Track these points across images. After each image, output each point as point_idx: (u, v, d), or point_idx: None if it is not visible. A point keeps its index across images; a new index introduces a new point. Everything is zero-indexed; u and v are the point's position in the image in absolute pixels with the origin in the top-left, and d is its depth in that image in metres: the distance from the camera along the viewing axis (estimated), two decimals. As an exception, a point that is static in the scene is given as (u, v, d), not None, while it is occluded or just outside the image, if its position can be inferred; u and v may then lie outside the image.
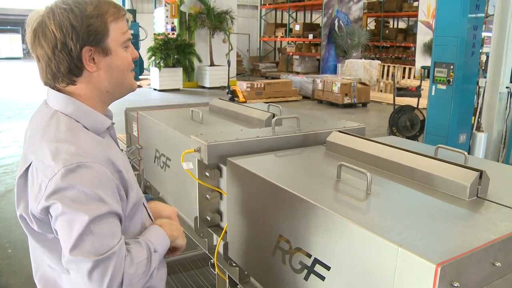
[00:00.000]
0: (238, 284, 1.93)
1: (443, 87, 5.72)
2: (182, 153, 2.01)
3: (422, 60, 18.10)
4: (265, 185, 1.63)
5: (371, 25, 23.69)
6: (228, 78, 13.63)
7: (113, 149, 1.40)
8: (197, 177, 2.02)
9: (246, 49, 23.56)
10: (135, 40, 17.36)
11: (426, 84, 7.93)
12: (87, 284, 1.18)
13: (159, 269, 1.48)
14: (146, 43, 16.09)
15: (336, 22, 19.11)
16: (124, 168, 1.35)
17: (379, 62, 16.88)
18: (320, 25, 19.60)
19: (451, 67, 5.58)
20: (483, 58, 6.98)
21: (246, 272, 1.90)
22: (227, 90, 13.08)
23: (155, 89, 15.98)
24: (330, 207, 1.38)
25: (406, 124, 8.31)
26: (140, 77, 17.87)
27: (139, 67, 17.75)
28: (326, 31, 19.06)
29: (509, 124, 5.97)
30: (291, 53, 21.63)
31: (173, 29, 16.79)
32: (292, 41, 21.49)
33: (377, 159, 1.78)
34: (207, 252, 2.16)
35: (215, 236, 2.10)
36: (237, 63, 20.09)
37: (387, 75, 15.90)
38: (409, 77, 15.70)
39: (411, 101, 9.38)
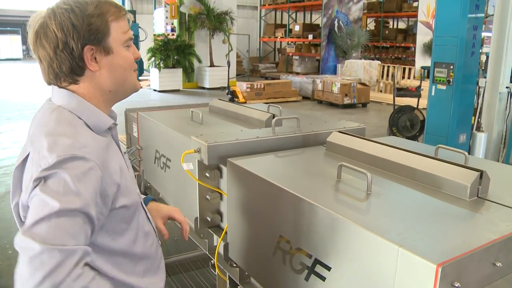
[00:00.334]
0: (238, 285, 1.93)
1: (443, 87, 5.72)
2: (182, 153, 2.01)
3: (422, 60, 18.09)
4: (266, 185, 1.63)
5: (371, 25, 23.69)
6: (228, 78, 13.63)
7: (112, 150, 1.39)
8: (197, 178, 2.02)
9: (246, 49, 23.57)
10: (135, 41, 17.36)
11: (426, 84, 7.93)
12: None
13: (151, 276, 1.48)
14: (146, 44, 16.09)
15: (335, 22, 19.11)
16: (120, 171, 1.35)
17: (379, 62, 16.87)
18: (320, 25, 19.59)
19: (451, 67, 5.58)
20: (483, 58, 6.98)
21: (246, 273, 1.89)
22: (227, 91, 13.08)
23: (155, 90, 15.97)
24: (331, 207, 1.38)
25: (406, 124, 8.31)
26: (140, 78, 17.87)
27: (139, 68, 17.74)
28: (325, 31, 19.05)
29: (509, 124, 5.97)
30: (291, 54, 21.62)
31: (173, 30, 16.80)
32: (292, 42, 21.48)
33: (378, 159, 1.78)
34: (207, 252, 2.16)
35: (215, 236, 2.10)
36: (237, 63, 20.08)
37: (387, 75, 15.90)
38: (409, 78, 15.70)
39: (411, 101, 9.37)
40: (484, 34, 6.72)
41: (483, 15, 5.70)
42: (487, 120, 5.90)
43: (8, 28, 34.00)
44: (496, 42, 5.78)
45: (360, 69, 16.57)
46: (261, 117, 2.48)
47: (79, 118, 1.34)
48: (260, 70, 21.77)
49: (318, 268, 1.41)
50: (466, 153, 1.82)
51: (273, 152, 2.04)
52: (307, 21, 23.28)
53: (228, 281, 2.01)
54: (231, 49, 17.60)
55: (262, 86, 13.98)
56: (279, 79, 16.72)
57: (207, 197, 2.05)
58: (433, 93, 5.86)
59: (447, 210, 1.42)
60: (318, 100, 14.13)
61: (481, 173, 1.49)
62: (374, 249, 1.20)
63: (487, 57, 6.15)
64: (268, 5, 22.93)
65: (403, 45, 21.46)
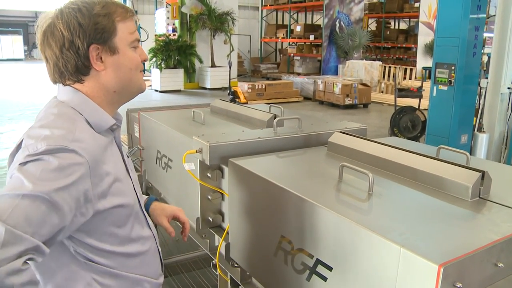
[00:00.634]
0: (240, 285, 1.93)
1: (445, 88, 5.72)
2: (184, 154, 2.02)
3: (423, 61, 18.08)
4: (267, 185, 1.63)
5: (372, 26, 23.68)
6: (229, 79, 13.62)
7: (110, 151, 1.38)
8: (198, 178, 2.02)
9: (247, 50, 23.57)
10: (136, 41, 17.37)
11: (427, 85, 7.93)
12: None
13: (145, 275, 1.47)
14: (147, 45, 16.09)
15: (337, 23, 19.10)
16: (115, 173, 1.33)
17: (380, 63, 16.86)
18: (321, 26, 19.59)
19: (453, 68, 5.57)
20: (485, 59, 6.97)
21: (248, 273, 1.90)
22: (228, 91, 13.07)
23: (156, 90, 15.98)
24: (332, 207, 1.38)
25: (407, 125, 8.30)
26: (141, 78, 17.84)
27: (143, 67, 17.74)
28: (327, 32, 19.05)
29: (511, 125, 5.96)
30: (292, 54, 21.62)
31: (174, 30, 16.81)
32: (293, 42, 21.48)
33: (379, 159, 1.78)
34: (209, 253, 2.16)
35: (216, 237, 2.10)
36: (238, 64, 20.09)
37: (388, 76, 15.89)
38: (410, 78, 15.68)
39: (413, 102, 9.36)
40: (485, 34, 6.71)
41: (484, 15, 5.70)
42: (489, 121, 5.89)
43: (10, 29, 34.04)
44: (498, 42, 5.77)
45: (361, 69, 16.56)
46: (263, 117, 2.48)
47: (80, 114, 1.34)
48: (262, 70, 21.77)
49: (320, 269, 1.41)
50: (468, 154, 1.82)
51: (274, 152, 2.04)
52: (309, 21, 23.27)
53: (229, 281, 2.01)
54: (233, 50, 17.61)
55: (264, 87, 13.98)
56: (280, 79, 16.74)
57: (209, 197, 2.05)
58: (434, 94, 5.86)
59: (449, 211, 1.42)
60: (319, 100, 14.13)
61: (483, 174, 1.49)
62: (376, 249, 1.20)
63: (489, 57, 6.14)
64: (270, 5, 22.94)
65: (404, 45, 21.45)
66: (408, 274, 1.12)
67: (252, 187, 1.74)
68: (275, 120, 2.23)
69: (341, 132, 2.04)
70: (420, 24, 18.97)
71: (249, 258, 1.82)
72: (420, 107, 8.44)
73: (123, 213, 1.37)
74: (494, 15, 6.11)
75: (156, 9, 19.72)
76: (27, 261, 1.11)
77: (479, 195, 1.50)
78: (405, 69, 16.13)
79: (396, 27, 24.21)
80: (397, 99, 8.78)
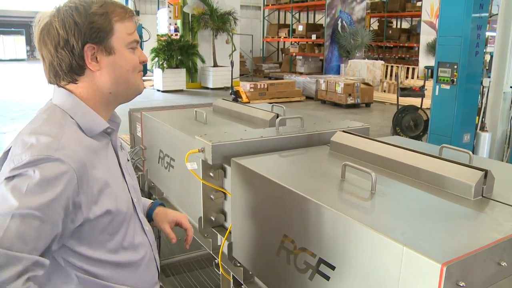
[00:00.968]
0: (242, 284, 1.93)
1: (447, 87, 5.71)
2: (186, 153, 2.02)
3: (425, 60, 18.03)
4: (270, 185, 1.63)
5: (374, 25, 23.66)
6: (232, 78, 13.63)
7: (103, 156, 1.35)
8: (201, 178, 2.02)
9: (249, 49, 23.58)
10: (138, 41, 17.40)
11: (429, 84, 7.93)
12: None
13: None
14: (149, 44, 16.11)
15: (339, 22, 19.10)
16: (106, 179, 1.31)
17: (382, 62, 16.85)
18: (323, 25, 19.58)
19: (455, 67, 5.57)
20: (487, 57, 6.96)
21: (250, 272, 1.90)
22: (230, 91, 13.09)
23: (158, 90, 16.00)
24: (335, 206, 1.38)
25: (409, 124, 8.30)
26: (143, 78, 17.86)
27: (142, 68, 17.76)
28: (329, 31, 19.04)
29: (513, 124, 5.96)
30: (294, 54, 21.63)
31: (176, 30, 16.82)
32: (295, 42, 21.48)
33: (382, 159, 1.77)
34: (211, 252, 2.16)
35: (219, 236, 2.10)
36: (240, 63, 20.10)
37: (391, 75, 15.87)
38: (412, 77, 15.67)
39: (415, 101, 9.36)
40: (488, 33, 6.70)
41: (487, 14, 5.69)
42: (491, 120, 5.88)
43: (12, 29, 34.11)
44: (500, 41, 5.76)
45: (363, 69, 16.55)
46: (265, 116, 2.48)
47: (71, 118, 1.31)
48: (264, 70, 21.78)
49: (322, 268, 1.41)
50: (471, 153, 1.81)
51: (277, 151, 2.04)
52: (311, 21, 23.28)
53: (232, 281, 2.01)
54: (235, 49, 17.61)
55: (266, 86, 13.99)
56: (282, 79, 16.74)
57: (211, 196, 2.05)
58: (436, 93, 5.85)
59: (452, 210, 1.42)
60: (321, 100, 14.13)
61: (486, 173, 1.49)
62: (379, 248, 1.20)
63: (491, 56, 6.12)
64: (272, 5, 22.94)
65: (406, 44, 21.42)
66: (411, 273, 1.11)
67: (255, 186, 1.74)
68: (278, 120, 2.23)
69: (344, 132, 2.04)
70: (422, 23, 18.92)
71: (251, 257, 1.82)
72: (423, 106, 8.44)
73: (115, 219, 1.34)
74: (497, 14, 6.10)
75: (158, 9, 19.74)
76: (29, 278, 1.11)
77: (482, 194, 1.49)
78: (407, 68, 16.12)
79: (398, 26, 24.17)
80: (400, 98, 8.78)
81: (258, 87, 13.87)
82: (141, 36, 15.66)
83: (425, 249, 1.10)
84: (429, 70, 13.54)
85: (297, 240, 1.52)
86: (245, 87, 13.92)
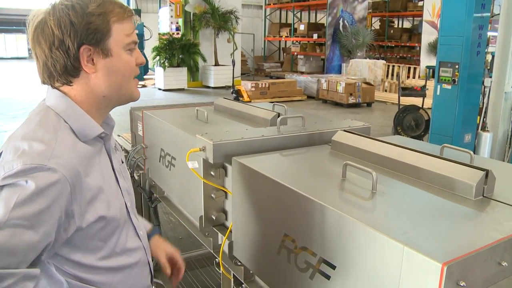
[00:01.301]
0: (243, 283, 1.93)
1: (448, 86, 5.71)
2: (188, 152, 2.02)
3: (427, 60, 18.03)
4: (271, 184, 1.63)
5: (376, 24, 23.65)
6: (233, 77, 13.64)
7: (97, 161, 1.32)
8: (202, 176, 2.02)
9: (251, 48, 23.58)
10: (140, 40, 17.42)
11: (431, 83, 7.92)
12: None
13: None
14: (151, 43, 16.13)
15: (340, 21, 19.09)
16: (99, 186, 1.27)
17: (383, 62, 16.85)
18: (325, 24, 19.59)
19: (456, 66, 5.57)
20: (489, 57, 6.96)
21: (251, 271, 1.90)
22: (231, 90, 13.09)
23: (159, 89, 16.01)
24: (336, 206, 1.38)
25: (411, 124, 8.30)
26: (145, 76, 17.91)
27: (144, 67, 17.80)
28: (330, 30, 19.04)
29: (515, 124, 5.95)
30: (295, 53, 21.63)
31: (177, 28, 16.82)
32: (297, 41, 21.49)
33: (383, 158, 1.77)
34: (212, 251, 2.16)
35: (220, 235, 2.10)
36: (242, 63, 20.11)
37: (392, 75, 15.87)
38: (414, 77, 15.66)
39: (416, 101, 9.36)
40: (490, 33, 6.70)
41: (489, 14, 5.69)
42: (493, 120, 5.88)
43: (14, 27, 34.10)
44: (502, 41, 5.75)
45: (365, 68, 16.54)
46: (266, 116, 2.48)
47: (65, 122, 1.27)
48: (265, 69, 21.78)
49: (323, 267, 1.41)
50: (472, 153, 1.81)
51: (278, 150, 2.04)
52: (312, 20, 23.27)
53: (232, 280, 2.01)
54: (236, 48, 17.62)
55: (267, 85, 13.99)
56: (283, 78, 16.75)
57: (212, 195, 2.06)
58: (438, 93, 5.85)
59: (453, 209, 1.42)
60: (323, 99, 14.13)
61: (487, 173, 1.49)
62: (379, 248, 1.20)
63: (493, 56, 6.13)
64: (273, 4, 22.94)
65: (408, 44, 21.42)
66: (411, 272, 1.11)
67: (256, 185, 1.74)
68: (279, 119, 2.23)
69: (345, 131, 2.04)
70: (424, 23, 18.91)
71: (252, 256, 1.82)
72: (424, 106, 8.44)
73: (108, 226, 1.31)
74: (498, 14, 6.09)
75: (160, 7, 19.76)
76: None
77: (483, 194, 1.49)
78: (409, 68, 16.12)
79: (400, 26, 24.18)
80: (401, 98, 8.77)
81: (260, 86, 13.87)
82: (142, 35, 15.70)
83: (425, 249, 1.10)
84: (431, 70, 13.54)
85: (297, 240, 1.52)
86: (246, 86, 13.92)
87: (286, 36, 21.98)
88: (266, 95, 13.74)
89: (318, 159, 1.98)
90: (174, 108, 3.32)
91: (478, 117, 5.93)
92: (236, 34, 17.73)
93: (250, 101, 12.05)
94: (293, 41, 21.91)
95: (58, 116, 1.28)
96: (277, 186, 1.59)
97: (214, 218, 2.09)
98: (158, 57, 15.67)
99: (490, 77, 5.93)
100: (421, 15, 19.43)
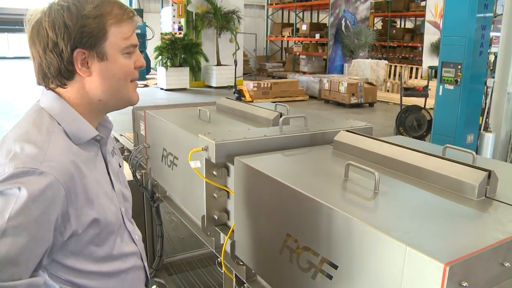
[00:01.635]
0: (245, 283, 1.93)
1: (451, 87, 5.71)
2: (190, 152, 2.02)
3: (429, 60, 18.03)
4: (273, 184, 1.63)
5: (378, 25, 23.63)
6: (235, 77, 13.66)
7: (93, 164, 1.29)
8: (204, 176, 2.03)
9: (253, 48, 23.57)
10: (142, 40, 17.47)
11: (433, 84, 7.91)
12: None
13: None
14: (153, 43, 16.15)
15: (343, 22, 19.08)
16: (93, 190, 1.25)
17: (386, 62, 16.84)
18: (327, 24, 19.58)
19: (459, 67, 5.57)
20: (491, 58, 6.94)
21: (253, 271, 1.90)
22: (233, 90, 13.10)
23: (161, 89, 16.03)
24: (338, 206, 1.38)
25: (413, 124, 8.29)
26: (147, 76, 17.95)
27: (146, 67, 17.83)
28: (333, 30, 19.03)
29: (517, 125, 5.95)
30: (298, 53, 21.62)
31: (180, 28, 16.84)
32: (299, 41, 21.48)
33: (385, 158, 1.77)
34: (214, 251, 2.17)
35: (222, 234, 2.10)
36: (244, 62, 20.12)
37: (394, 75, 15.85)
38: (416, 77, 15.65)
39: (418, 101, 9.34)
40: (492, 33, 6.69)
41: (491, 14, 5.69)
42: (495, 120, 5.87)
43: (17, 27, 34.14)
44: (505, 41, 5.75)
45: (367, 68, 16.53)
46: (269, 115, 2.48)
47: (58, 125, 1.24)
48: (267, 69, 21.79)
49: (325, 267, 1.41)
50: (474, 153, 1.81)
51: (280, 150, 2.04)
52: (314, 20, 23.26)
53: (234, 279, 2.01)
54: (238, 48, 17.63)
55: (269, 85, 14.00)
56: (286, 78, 16.76)
57: (214, 195, 2.06)
58: (440, 93, 5.85)
59: (455, 210, 1.41)
60: (325, 99, 14.13)
61: (489, 173, 1.49)
62: (382, 248, 1.20)
63: (496, 57, 6.12)
64: (275, 4, 22.95)
65: (410, 44, 21.40)
66: (413, 272, 1.11)
67: (258, 185, 1.74)
68: (281, 119, 2.23)
69: (347, 131, 2.04)
70: (426, 23, 18.91)
71: (254, 256, 1.82)
72: (426, 106, 8.43)
73: (103, 231, 1.29)
74: (501, 14, 6.08)
75: (162, 7, 19.79)
76: None
77: (485, 194, 1.49)
78: (411, 68, 16.10)
79: (402, 26, 24.15)
80: (403, 98, 8.77)
81: (262, 86, 13.88)
82: (145, 35, 15.71)
83: (428, 249, 1.10)
84: (433, 70, 13.54)
85: (300, 239, 1.52)
86: (248, 86, 13.93)
87: (288, 36, 21.98)
88: (268, 95, 13.74)
89: (320, 159, 1.98)
90: (177, 107, 3.32)
91: (481, 117, 5.93)
92: (238, 34, 17.74)
93: (252, 101, 12.05)
94: (295, 41, 21.91)
95: (52, 119, 1.25)
96: (279, 186, 1.59)
97: (216, 217, 2.09)
98: (160, 57, 15.69)
99: (493, 77, 5.92)
100: (423, 15, 19.42)
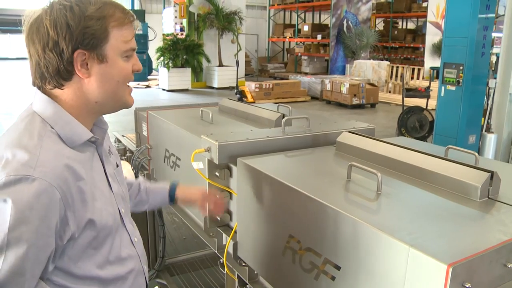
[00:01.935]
0: (247, 284, 1.93)
1: (453, 88, 5.70)
2: (193, 152, 2.02)
3: (431, 61, 18.01)
4: (276, 185, 1.63)
5: (380, 25, 23.63)
6: (237, 78, 13.67)
7: (89, 166, 1.28)
8: (207, 177, 2.03)
9: (255, 49, 23.58)
10: (144, 41, 17.49)
11: (435, 85, 7.91)
12: None
13: None
14: (155, 44, 16.16)
15: (344, 22, 19.08)
16: (90, 192, 1.24)
17: (387, 63, 16.82)
18: (329, 25, 19.58)
19: (461, 68, 5.56)
20: (493, 59, 6.94)
21: (255, 272, 1.90)
22: (235, 91, 13.11)
23: (163, 89, 16.04)
24: (341, 207, 1.38)
25: (415, 125, 8.28)
26: (148, 77, 17.96)
27: (147, 67, 17.86)
28: (334, 31, 19.03)
29: (519, 125, 5.94)
30: (299, 54, 21.62)
31: (181, 29, 16.86)
32: (301, 42, 21.47)
33: (388, 159, 1.77)
34: (216, 251, 2.17)
35: (224, 235, 2.10)
36: (246, 63, 20.12)
37: (396, 76, 15.84)
38: (418, 78, 15.62)
39: (420, 102, 9.34)
40: (494, 34, 6.68)
41: (493, 15, 5.69)
42: (497, 121, 5.87)
43: (19, 28, 34.16)
44: (507, 42, 5.74)
45: (369, 69, 16.52)
46: (271, 116, 2.49)
47: (51, 128, 1.22)
48: (269, 70, 21.80)
49: (328, 268, 1.41)
50: (477, 154, 1.81)
51: (283, 151, 2.04)
52: (316, 21, 23.27)
53: (237, 280, 2.01)
54: (240, 49, 17.63)
55: (271, 86, 13.99)
56: (287, 79, 16.75)
57: (217, 196, 2.06)
58: (442, 94, 5.85)
59: (458, 211, 1.42)
60: (326, 100, 14.12)
61: (492, 174, 1.49)
62: (385, 249, 1.20)
63: (497, 57, 6.11)
64: (277, 5, 22.96)
65: (412, 45, 21.40)
66: (416, 274, 1.12)
67: (261, 186, 1.74)
68: (284, 120, 2.23)
69: (350, 132, 2.04)
70: (428, 23, 18.90)
71: (257, 257, 1.82)
72: (428, 107, 8.43)
73: (100, 234, 1.28)
74: (503, 15, 6.08)
75: (164, 8, 19.79)
76: None
77: (488, 195, 1.49)
78: (413, 69, 16.08)
79: (404, 26, 24.14)
80: (405, 99, 8.77)
81: (264, 87, 13.87)
82: (146, 35, 15.73)
83: (431, 250, 1.10)
84: (435, 71, 13.53)
85: (302, 240, 1.52)
86: (250, 87, 13.93)
87: (290, 37, 21.99)
88: (270, 96, 13.74)
89: (323, 160, 1.98)
90: (179, 108, 3.33)
91: (483, 118, 5.92)
92: (240, 35, 17.74)
93: (254, 102, 12.06)
94: (297, 42, 21.91)
95: (44, 122, 1.23)
96: (282, 187, 1.60)
97: (218, 218, 2.09)
98: (162, 58, 15.70)
99: (495, 78, 5.91)
100: (425, 16, 19.41)
